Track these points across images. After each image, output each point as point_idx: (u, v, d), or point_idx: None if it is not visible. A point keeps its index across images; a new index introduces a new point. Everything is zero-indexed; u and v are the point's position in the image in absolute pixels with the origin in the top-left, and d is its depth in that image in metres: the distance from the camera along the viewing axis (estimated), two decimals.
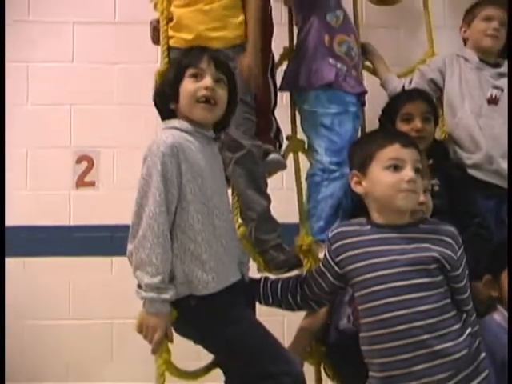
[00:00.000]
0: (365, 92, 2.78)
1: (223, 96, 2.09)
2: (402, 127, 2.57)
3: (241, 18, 2.59)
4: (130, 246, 1.91)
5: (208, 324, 1.96)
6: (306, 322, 2.36)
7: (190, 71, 2.07)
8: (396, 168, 1.92)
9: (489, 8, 2.81)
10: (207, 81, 2.05)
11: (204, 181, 1.99)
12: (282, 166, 2.72)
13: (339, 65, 2.68)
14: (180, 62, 2.13)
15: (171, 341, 1.97)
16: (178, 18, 2.59)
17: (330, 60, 2.68)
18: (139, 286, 1.89)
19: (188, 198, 1.95)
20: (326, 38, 2.70)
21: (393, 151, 1.94)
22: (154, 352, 1.96)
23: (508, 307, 2.25)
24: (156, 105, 2.17)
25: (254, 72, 2.49)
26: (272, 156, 2.64)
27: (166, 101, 2.11)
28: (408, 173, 1.90)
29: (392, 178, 1.92)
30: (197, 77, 2.06)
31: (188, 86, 2.06)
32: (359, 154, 2.05)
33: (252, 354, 1.96)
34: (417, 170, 1.93)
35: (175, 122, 2.05)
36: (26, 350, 3.61)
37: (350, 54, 2.73)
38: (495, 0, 2.93)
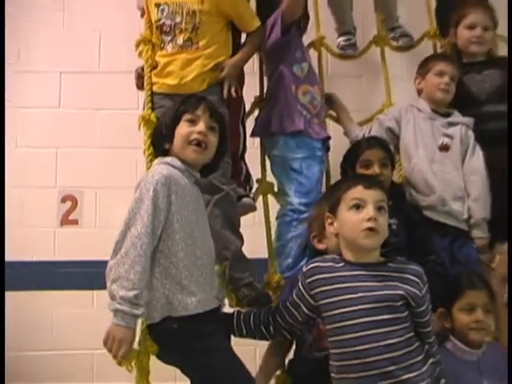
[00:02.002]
0: (329, 137, 2.80)
1: (214, 142, 2.13)
2: (362, 172, 2.57)
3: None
4: (110, 262, 1.89)
5: (188, 349, 1.93)
6: (270, 351, 2.34)
7: (187, 116, 2.11)
8: (358, 208, 1.93)
9: (441, 63, 2.84)
10: (201, 126, 2.09)
11: (189, 214, 2.00)
12: (253, 209, 2.73)
13: (304, 112, 2.71)
14: (178, 108, 2.15)
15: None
16: (163, 65, 2.61)
17: (298, 107, 2.70)
18: (112, 299, 1.85)
19: (174, 226, 1.96)
20: (293, 87, 2.72)
21: (356, 192, 1.95)
22: (119, 364, 1.90)
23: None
24: (152, 143, 2.23)
25: (232, 74, 2.56)
26: (244, 200, 2.65)
27: (161, 140, 2.14)
28: (369, 212, 1.91)
29: (355, 217, 1.92)
30: (192, 122, 2.10)
31: (183, 129, 2.10)
32: (331, 197, 2.07)
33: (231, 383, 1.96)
34: (380, 209, 1.93)
35: (169, 159, 2.07)
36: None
37: (312, 103, 2.75)
38: (446, 56, 3.00)
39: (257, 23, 2.71)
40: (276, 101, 2.75)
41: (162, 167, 2.02)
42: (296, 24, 2.83)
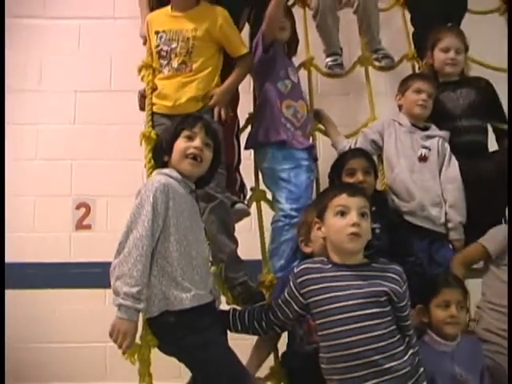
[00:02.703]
0: (312, 146, 2.82)
1: (208, 157, 2.16)
2: (347, 180, 2.59)
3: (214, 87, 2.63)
4: (114, 261, 1.93)
5: (184, 343, 1.95)
6: (259, 341, 2.34)
7: (185, 133, 2.14)
8: (343, 214, 1.95)
9: (419, 82, 2.87)
10: (197, 142, 2.12)
11: (184, 219, 2.03)
12: (247, 214, 2.76)
13: (288, 125, 2.73)
14: (178, 125, 2.18)
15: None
16: (160, 88, 2.63)
17: (282, 120, 2.73)
18: (116, 294, 1.88)
19: (170, 229, 1.99)
20: (278, 102, 2.75)
21: (341, 200, 1.97)
22: (124, 353, 1.92)
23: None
24: (153, 156, 2.26)
25: (221, 101, 2.57)
26: (238, 205, 2.68)
27: (161, 153, 2.17)
28: (352, 217, 1.93)
29: (340, 222, 1.94)
30: (189, 138, 2.13)
31: (181, 144, 2.12)
32: (319, 204, 2.09)
33: (226, 376, 1.96)
34: (363, 215, 1.95)
35: (167, 170, 2.10)
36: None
37: (296, 116, 2.77)
38: (424, 75, 3.03)
39: (245, 49, 2.72)
40: (263, 115, 2.78)
41: (161, 177, 2.05)
42: (279, 44, 2.87)
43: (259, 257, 2.71)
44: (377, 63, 3.37)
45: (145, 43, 2.82)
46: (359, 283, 1.91)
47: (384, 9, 3.53)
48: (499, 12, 3.65)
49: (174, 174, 2.09)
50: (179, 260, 1.98)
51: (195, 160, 2.11)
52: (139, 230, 1.92)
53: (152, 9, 2.86)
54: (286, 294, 2.05)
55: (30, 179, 3.80)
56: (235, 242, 2.48)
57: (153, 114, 2.61)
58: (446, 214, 2.72)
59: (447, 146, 2.83)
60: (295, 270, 2.03)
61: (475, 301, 2.54)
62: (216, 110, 2.56)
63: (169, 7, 2.72)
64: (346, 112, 3.71)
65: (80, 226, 3.81)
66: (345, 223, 1.93)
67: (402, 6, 3.57)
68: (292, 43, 3.00)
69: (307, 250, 2.30)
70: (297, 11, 3.35)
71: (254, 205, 2.84)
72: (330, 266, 1.97)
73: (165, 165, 2.16)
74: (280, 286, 2.31)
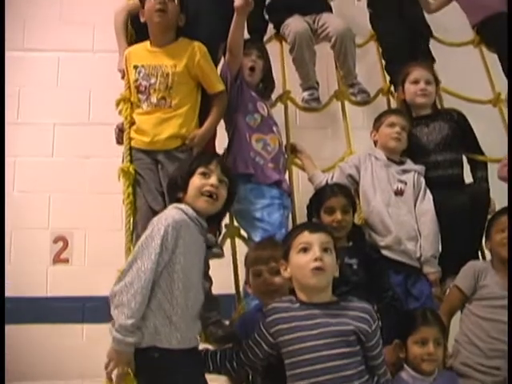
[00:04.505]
0: (280, 180, 2.80)
1: (223, 194, 2.15)
2: (326, 218, 2.57)
3: (193, 125, 2.64)
4: (115, 288, 1.92)
5: (165, 381, 1.92)
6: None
7: (200, 170, 2.13)
8: (305, 250, 1.95)
9: (392, 116, 2.92)
10: (213, 179, 2.12)
11: (191, 258, 2.02)
12: (221, 257, 2.72)
13: (257, 158, 2.75)
14: (193, 162, 2.19)
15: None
16: (138, 123, 2.64)
17: (251, 153, 2.74)
18: (113, 324, 1.89)
19: (176, 267, 1.97)
20: (247, 135, 2.77)
21: (303, 237, 1.97)
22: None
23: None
24: (167, 191, 2.27)
25: (202, 143, 2.59)
26: (214, 250, 2.63)
27: (176, 189, 2.16)
28: (315, 252, 1.93)
29: (303, 259, 1.94)
30: (205, 175, 2.12)
31: (197, 181, 2.12)
32: (284, 245, 2.08)
33: None
34: (326, 250, 1.95)
35: (183, 206, 2.09)
36: None
37: (266, 149, 2.79)
38: (396, 110, 3.10)
39: (221, 86, 2.73)
40: (232, 146, 2.80)
41: (176, 211, 2.05)
42: (251, 86, 2.89)
43: (233, 291, 2.71)
44: (353, 98, 3.41)
45: (123, 77, 2.82)
46: (327, 321, 1.90)
47: (360, 44, 3.58)
48: (473, 44, 3.74)
49: (189, 210, 2.07)
50: (178, 299, 1.97)
51: (211, 197, 2.10)
52: (144, 262, 1.92)
53: (130, 43, 2.88)
54: (255, 334, 2.03)
55: (7, 212, 3.69)
56: (209, 280, 2.46)
57: (131, 148, 2.60)
58: (420, 246, 2.73)
59: (423, 180, 2.85)
60: (264, 310, 2.03)
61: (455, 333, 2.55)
62: (195, 151, 2.57)
63: (147, 42, 2.74)
64: (324, 145, 3.75)
65: (57, 259, 3.78)
66: (307, 259, 1.93)
67: (377, 42, 3.65)
68: (268, 85, 3.03)
69: (249, 290, 2.32)
70: (274, 45, 3.40)
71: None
72: (297, 304, 1.96)
73: (178, 201, 2.14)
74: (240, 322, 2.34)
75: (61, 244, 3.79)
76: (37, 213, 3.81)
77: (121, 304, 1.89)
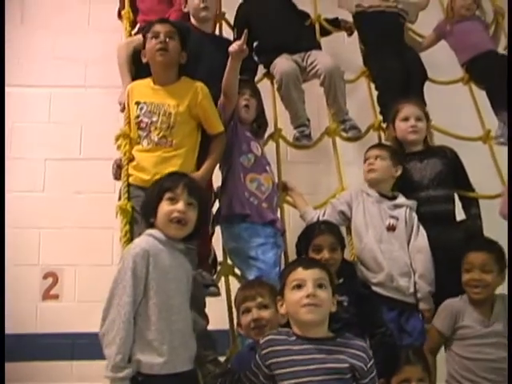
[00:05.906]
0: (274, 219, 2.81)
1: (193, 217, 2.16)
2: (313, 256, 2.56)
3: (192, 166, 2.65)
4: (102, 329, 1.96)
5: None
6: None
7: (168, 195, 2.14)
8: (299, 287, 1.94)
9: (371, 150, 2.96)
10: (180, 205, 2.12)
11: (167, 282, 2.03)
12: (217, 295, 2.74)
13: (251, 198, 2.75)
14: (160, 187, 2.18)
15: None
16: (138, 160, 2.63)
17: (246, 194, 2.74)
18: (107, 364, 1.92)
19: (149, 294, 2.01)
20: (242, 175, 2.77)
21: (296, 274, 1.97)
22: None
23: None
24: (141, 216, 2.30)
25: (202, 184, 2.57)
26: (211, 289, 2.67)
27: (148, 216, 2.18)
28: (308, 289, 1.92)
29: (296, 295, 1.94)
30: (172, 200, 2.13)
31: (164, 207, 2.13)
32: (280, 281, 2.07)
33: None
34: (320, 286, 1.94)
35: (153, 231, 2.12)
36: None
37: (260, 189, 2.79)
38: (379, 143, 3.18)
39: (221, 127, 2.76)
40: (226, 186, 2.81)
41: (143, 239, 2.09)
42: (245, 124, 2.92)
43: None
44: (344, 134, 3.42)
45: (122, 110, 2.83)
46: (323, 357, 1.88)
47: (350, 80, 3.61)
48: (463, 82, 3.78)
49: (159, 235, 2.10)
50: (157, 324, 1.98)
51: (179, 223, 2.11)
52: (121, 297, 1.96)
53: (133, 78, 2.90)
54: (252, 365, 2.02)
55: None
56: (206, 318, 2.46)
57: (129, 185, 2.60)
58: (415, 283, 2.72)
59: (415, 215, 2.86)
60: (261, 341, 2.01)
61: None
62: None
63: (150, 79, 2.75)
64: (316, 180, 3.77)
65: (47, 295, 3.75)
66: (301, 295, 1.93)
67: (367, 78, 3.68)
68: (261, 124, 3.05)
69: (240, 331, 2.32)
70: (265, 84, 3.43)
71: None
72: (294, 338, 1.95)
73: (152, 225, 2.15)
74: (236, 361, 2.33)
75: (50, 280, 3.77)
76: (27, 249, 3.79)
77: (108, 343, 1.93)
